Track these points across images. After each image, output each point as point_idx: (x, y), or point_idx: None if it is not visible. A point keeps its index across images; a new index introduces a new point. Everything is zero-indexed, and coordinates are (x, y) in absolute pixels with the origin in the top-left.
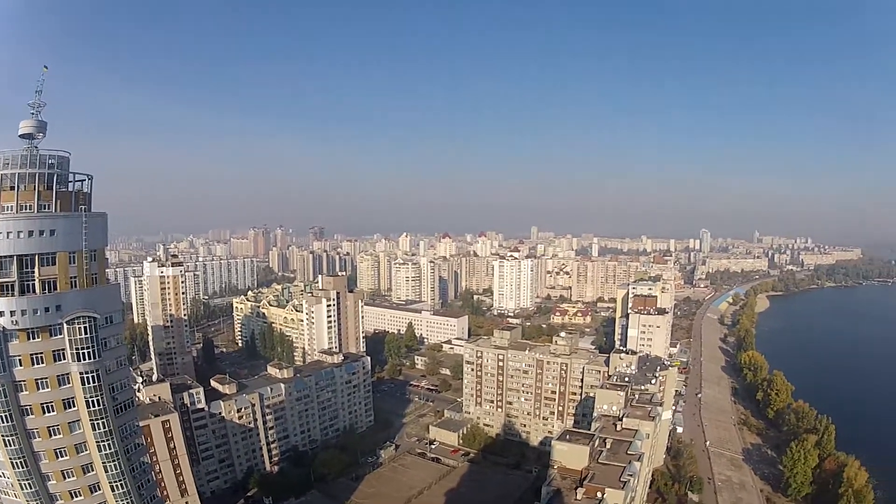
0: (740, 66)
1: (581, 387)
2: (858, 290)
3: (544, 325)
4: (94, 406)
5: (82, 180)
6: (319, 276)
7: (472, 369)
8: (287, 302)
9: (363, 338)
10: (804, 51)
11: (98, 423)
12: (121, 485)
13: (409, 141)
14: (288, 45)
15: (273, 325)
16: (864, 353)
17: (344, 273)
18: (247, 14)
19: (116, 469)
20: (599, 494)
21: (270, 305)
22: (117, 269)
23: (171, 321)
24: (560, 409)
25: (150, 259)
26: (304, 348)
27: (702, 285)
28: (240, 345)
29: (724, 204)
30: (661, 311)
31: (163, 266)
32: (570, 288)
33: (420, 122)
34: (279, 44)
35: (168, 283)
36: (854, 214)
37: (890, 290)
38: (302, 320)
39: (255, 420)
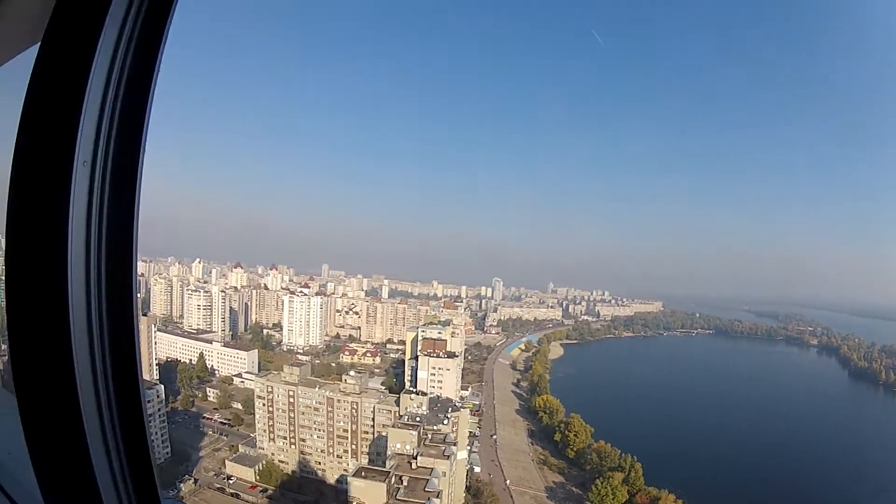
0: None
1: (373, 426)
2: (659, 340)
3: (334, 364)
4: None
5: None
6: None
7: (264, 404)
8: None
9: (156, 365)
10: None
11: None
12: None
13: (203, 162)
14: None
15: None
16: (663, 396)
17: (140, 294)
18: None
19: None
20: None
21: None
22: None
23: None
24: (353, 447)
25: None
26: None
27: (493, 331)
28: None
29: (519, 255)
30: (452, 355)
31: None
32: (360, 328)
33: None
34: None
35: None
36: (654, 270)
37: (690, 340)
38: None
39: None
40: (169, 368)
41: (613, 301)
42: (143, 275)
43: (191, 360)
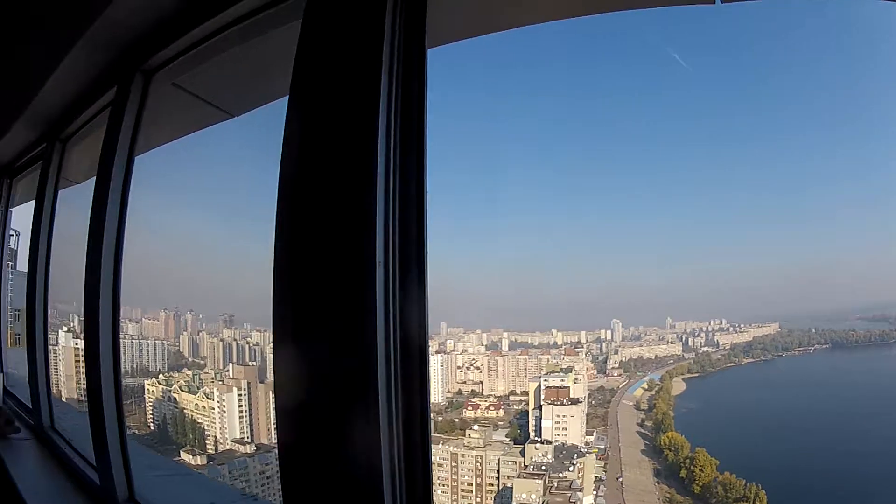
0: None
1: (498, 477)
2: (778, 362)
3: (457, 420)
4: None
5: (10, 236)
6: (230, 364)
7: None
8: (198, 389)
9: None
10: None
11: None
12: None
13: None
14: None
15: (185, 410)
16: (783, 422)
17: (255, 363)
18: None
19: None
20: None
21: (181, 391)
22: None
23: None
24: (478, 500)
25: (65, 329)
26: (215, 436)
27: (615, 374)
28: (151, 428)
29: (636, 294)
30: (575, 401)
31: (77, 338)
32: (482, 382)
33: None
34: None
35: (82, 356)
36: (767, 290)
37: (809, 359)
38: (213, 408)
39: None
40: None
41: (731, 328)
42: (258, 344)
43: None
